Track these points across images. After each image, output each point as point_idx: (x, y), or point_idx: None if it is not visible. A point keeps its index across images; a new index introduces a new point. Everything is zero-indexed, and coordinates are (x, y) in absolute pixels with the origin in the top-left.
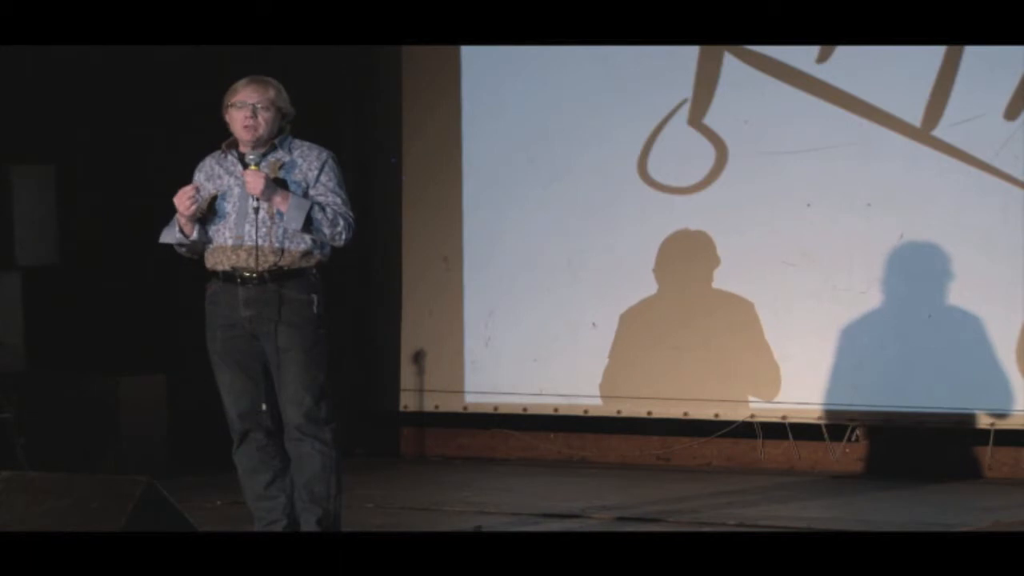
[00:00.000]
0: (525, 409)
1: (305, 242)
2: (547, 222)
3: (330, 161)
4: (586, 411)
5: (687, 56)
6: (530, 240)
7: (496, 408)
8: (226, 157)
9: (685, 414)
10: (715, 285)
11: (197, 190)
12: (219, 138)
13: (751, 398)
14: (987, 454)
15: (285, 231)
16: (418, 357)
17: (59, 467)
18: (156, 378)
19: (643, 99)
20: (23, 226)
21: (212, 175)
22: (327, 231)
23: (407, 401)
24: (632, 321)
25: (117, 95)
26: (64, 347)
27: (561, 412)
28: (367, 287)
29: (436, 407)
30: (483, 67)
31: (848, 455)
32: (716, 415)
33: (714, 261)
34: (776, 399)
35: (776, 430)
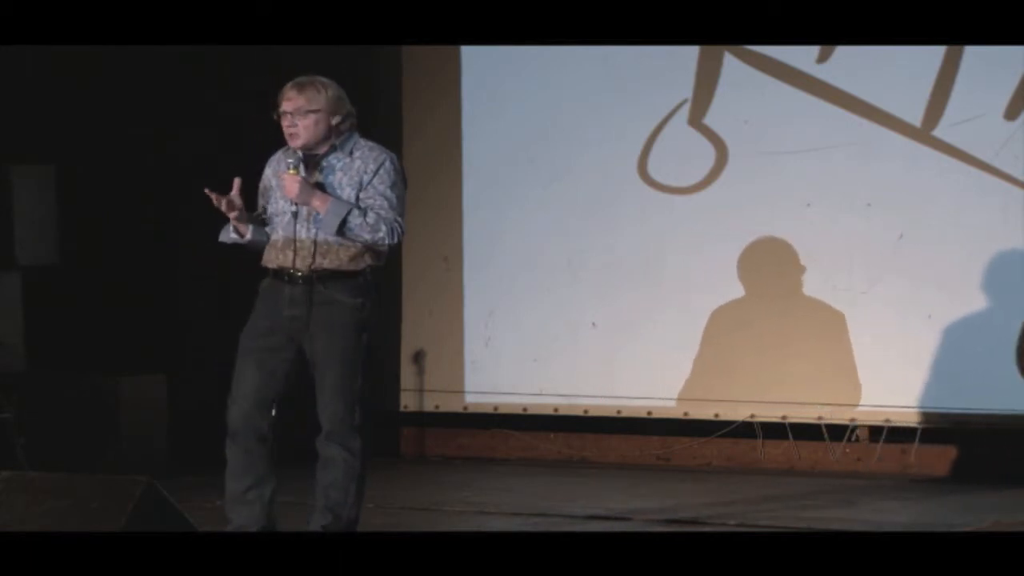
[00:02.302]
0: (525, 409)
1: (355, 244)
2: (547, 222)
3: (387, 163)
4: (586, 411)
5: (687, 56)
6: (530, 240)
7: (496, 408)
8: (294, 154)
9: (685, 414)
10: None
11: (240, 195)
12: (219, 137)
13: (751, 398)
14: (985, 453)
15: (342, 237)
16: (418, 357)
17: (59, 467)
18: (156, 378)
19: (643, 99)
20: (23, 226)
21: (278, 170)
22: (367, 236)
23: (407, 401)
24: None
25: (117, 95)
26: (64, 347)
27: (561, 412)
28: None
29: (436, 407)
30: (483, 67)
31: (848, 455)
32: (716, 415)
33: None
34: (776, 399)
35: (776, 430)
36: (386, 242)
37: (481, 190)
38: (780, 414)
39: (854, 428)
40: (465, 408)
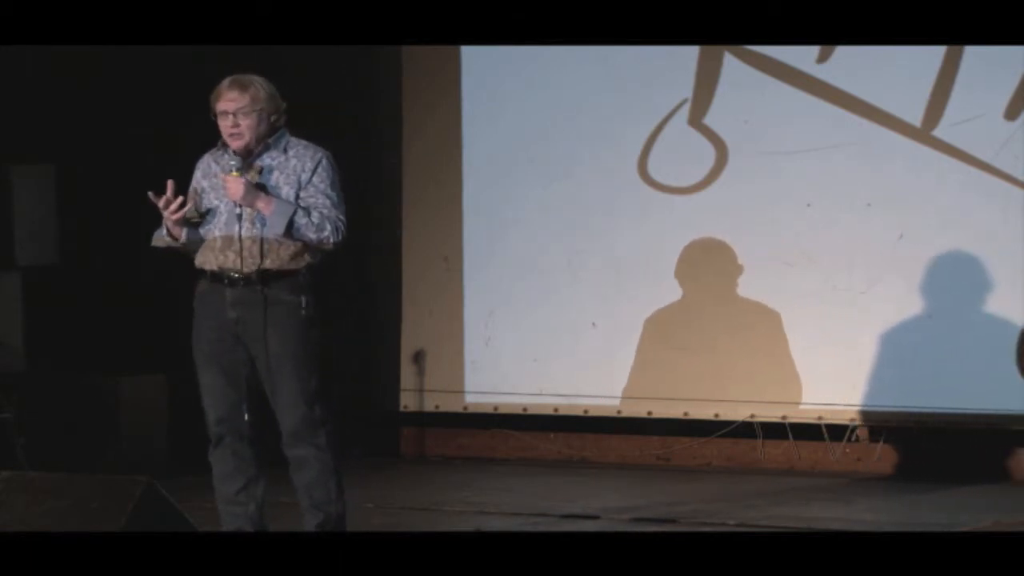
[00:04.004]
0: (525, 409)
1: (295, 243)
2: (547, 222)
3: (324, 161)
4: (586, 411)
5: (687, 56)
6: (530, 240)
7: (496, 408)
8: (223, 155)
9: (685, 414)
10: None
11: (175, 196)
12: (219, 137)
13: (751, 398)
14: (986, 454)
15: (288, 238)
16: (418, 357)
17: (59, 467)
18: (156, 378)
19: (643, 99)
20: (23, 226)
21: (208, 172)
22: (312, 235)
23: (407, 401)
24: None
25: (117, 95)
26: (64, 347)
27: (561, 412)
28: (367, 287)
29: (436, 407)
30: (483, 67)
31: (848, 455)
32: (716, 415)
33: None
34: (776, 399)
35: (776, 430)
36: (331, 240)
37: (481, 190)
38: (780, 414)
39: (854, 428)
40: (465, 408)
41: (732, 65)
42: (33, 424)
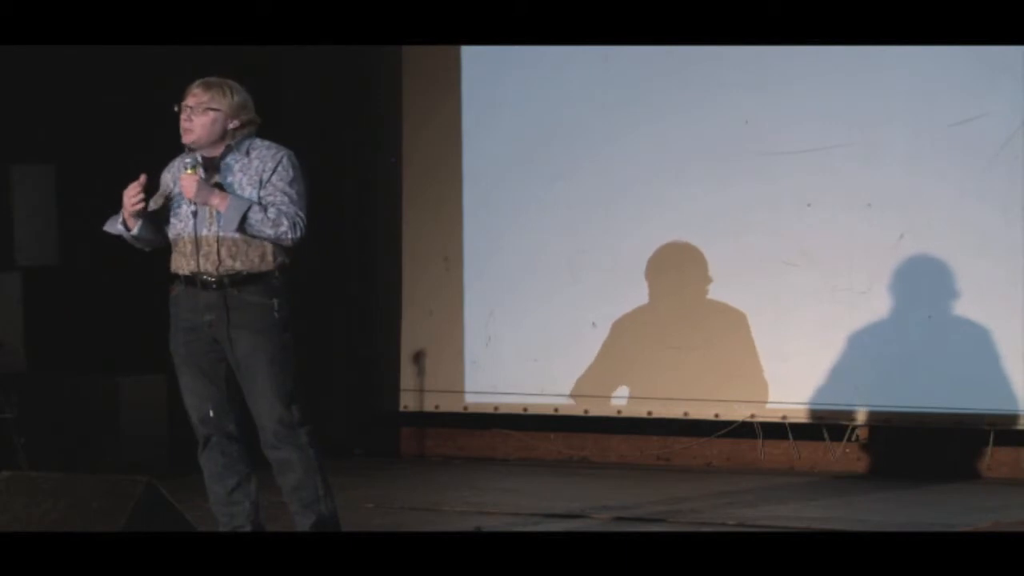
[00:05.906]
0: (525, 409)
1: (263, 244)
2: (547, 222)
3: (284, 160)
4: (586, 411)
5: (687, 56)
6: (530, 240)
7: (496, 408)
8: (191, 154)
9: (685, 414)
10: (709, 295)
11: (143, 186)
12: None
13: (751, 398)
14: (987, 454)
15: (243, 234)
16: (418, 357)
17: (59, 467)
18: (156, 378)
19: (643, 99)
20: (23, 226)
21: (177, 177)
22: (269, 231)
23: (407, 401)
24: (627, 326)
25: (117, 95)
26: (64, 347)
27: (561, 412)
28: (367, 287)
29: (436, 407)
30: (483, 67)
31: (848, 455)
32: (716, 415)
33: (705, 268)
34: (776, 399)
35: (776, 430)
36: (288, 236)
37: (481, 190)
38: (780, 414)
39: (854, 428)
40: (465, 408)
41: (732, 65)
42: (33, 424)
